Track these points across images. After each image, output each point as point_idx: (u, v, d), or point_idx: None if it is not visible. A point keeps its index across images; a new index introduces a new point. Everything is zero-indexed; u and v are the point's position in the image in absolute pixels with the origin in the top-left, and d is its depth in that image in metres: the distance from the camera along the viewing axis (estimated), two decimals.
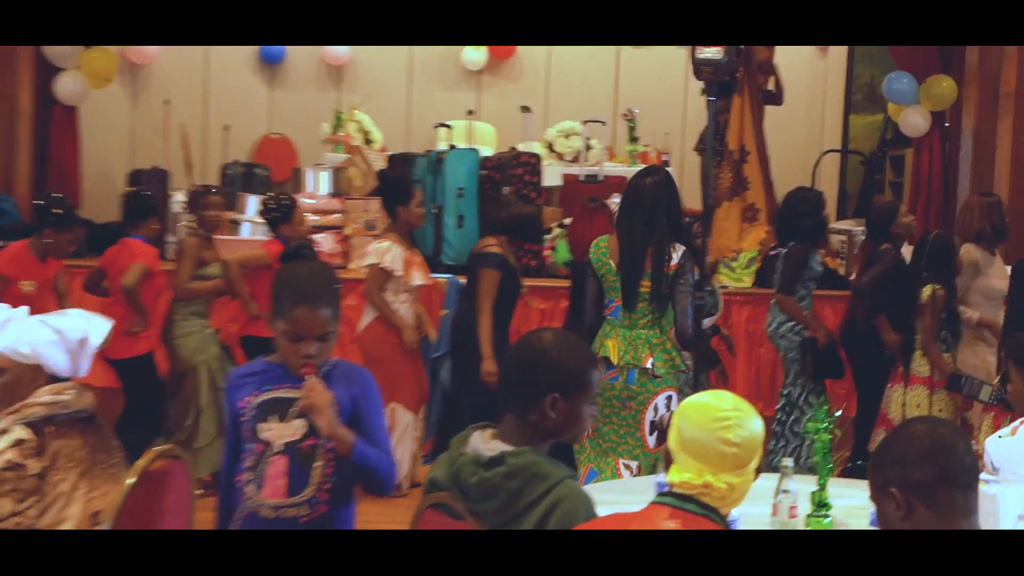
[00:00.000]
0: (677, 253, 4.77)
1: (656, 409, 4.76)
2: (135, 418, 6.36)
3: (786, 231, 6.32)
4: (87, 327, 3.17)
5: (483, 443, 2.76)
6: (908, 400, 5.93)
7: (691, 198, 9.08)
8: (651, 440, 4.73)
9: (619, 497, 3.44)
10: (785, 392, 6.21)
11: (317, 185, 8.69)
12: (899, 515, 2.23)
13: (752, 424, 2.45)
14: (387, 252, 6.38)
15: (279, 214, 6.62)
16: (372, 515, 6.29)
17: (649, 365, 4.74)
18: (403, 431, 6.59)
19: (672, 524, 2.40)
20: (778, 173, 8.28)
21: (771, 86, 8.23)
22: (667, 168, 5.61)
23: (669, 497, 2.47)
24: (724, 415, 2.43)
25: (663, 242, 4.76)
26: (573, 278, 6.75)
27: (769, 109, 8.02)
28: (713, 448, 2.42)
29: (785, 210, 6.39)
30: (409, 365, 6.55)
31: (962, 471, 2.22)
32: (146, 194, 6.70)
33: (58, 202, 6.31)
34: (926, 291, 5.88)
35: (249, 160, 9.85)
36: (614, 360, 4.77)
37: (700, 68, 4.38)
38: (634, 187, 4.92)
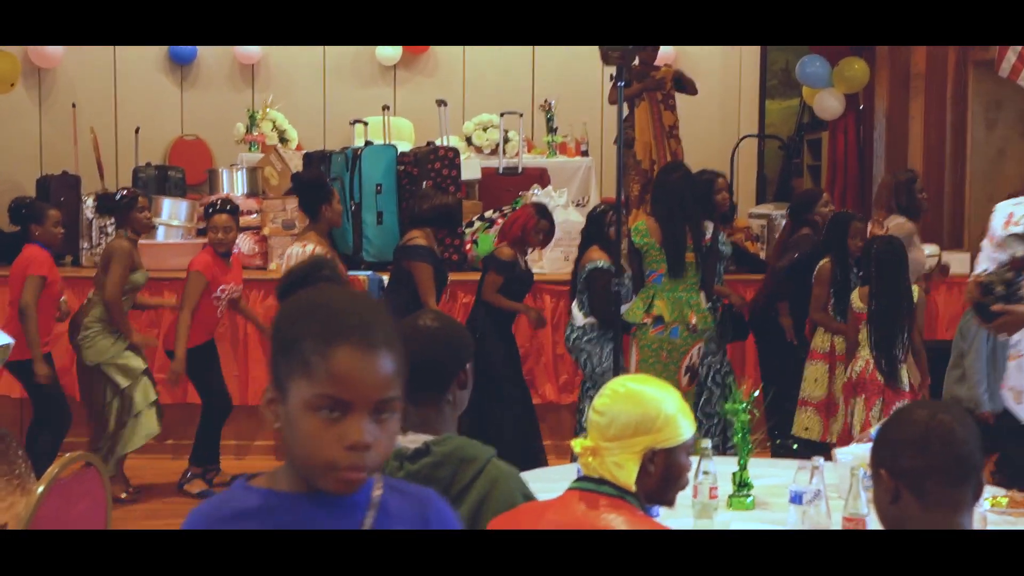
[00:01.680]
0: (708, 230, 5.91)
1: (691, 357, 5.84)
2: (45, 422, 6.23)
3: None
4: None
5: (400, 436, 2.71)
6: (807, 375, 6.00)
7: (613, 187, 9.13)
8: (684, 380, 5.78)
9: (544, 485, 3.40)
10: None
11: (233, 186, 8.56)
12: (886, 499, 2.15)
13: (623, 403, 2.42)
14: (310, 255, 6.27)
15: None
16: None
17: (694, 322, 5.79)
18: None
19: (582, 508, 2.37)
20: (696, 161, 8.29)
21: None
22: (684, 165, 6.38)
23: (584, 482, 2.45)
24: (609, 385, 2.48)
25: (697, 222, 5.86)
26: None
27: (684, 97, 8.02)
28: (589, 412, 2.48)
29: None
30: None
31: (955, 464, 2.10)
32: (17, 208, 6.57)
33: None
34: (822, 264, 6.04)
35: (163, 163, 9.68)
36: (666, 318, 5.79)
37: (607, 55, 4.37)
38: (662, 182, 6.06)
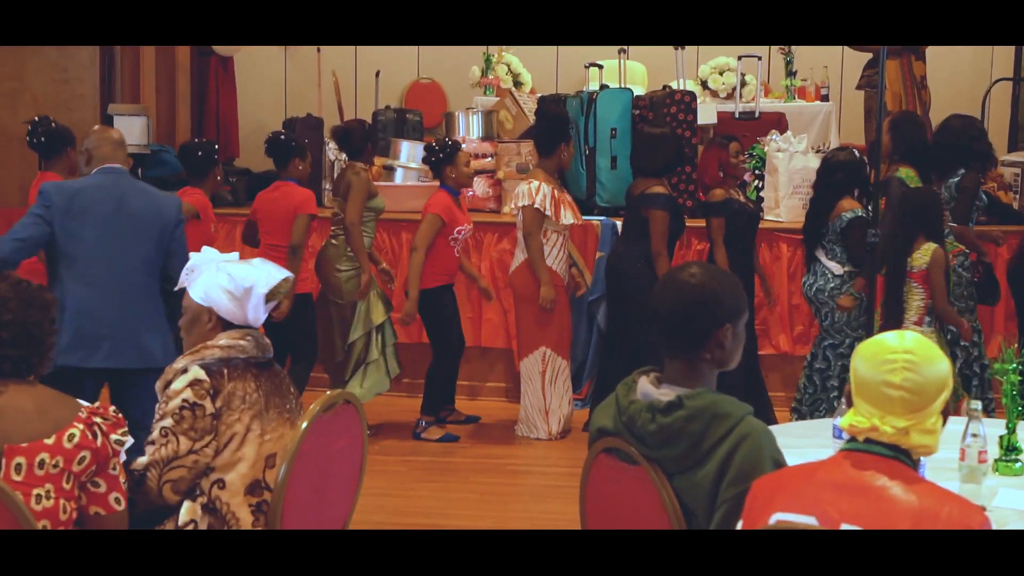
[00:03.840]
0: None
1: None
2: (297, 354, 6.48)
3: (951, 160, 6.01)
4: (256, 277, 3.18)
5: (653, 388, 2.69)
6: None
7: (854, 134, 8.82)
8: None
9: (795, 440, 3.33)
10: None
11: (468, 129, 8.65)
12: None
13: (925, 369, 2.31)
14: (537, 192, 6.32)
15: (442, 155, 6.60)
16: (532, 459, 6.32)
17: None
18: (555, 375, 6.56)
19: (854, 470, 2.28)
20: (944, 105, 7.91)
21: None
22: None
23: (856, 442, 2.36)
24: (892, 357, 2.31)
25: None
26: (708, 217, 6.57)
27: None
28: (878, 390, 2.31)
29: (946, 137, 6.08)
30: (559, 308, 6.50)
31: None
32: (288, 136, 6.72)
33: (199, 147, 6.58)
34: None
35: (400, 106, 9.88)
36: None
37: None
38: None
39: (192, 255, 3.27)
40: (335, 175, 8.34)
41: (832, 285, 5.96)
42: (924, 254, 5.29)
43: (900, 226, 5.34)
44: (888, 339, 2.36)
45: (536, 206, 6.33)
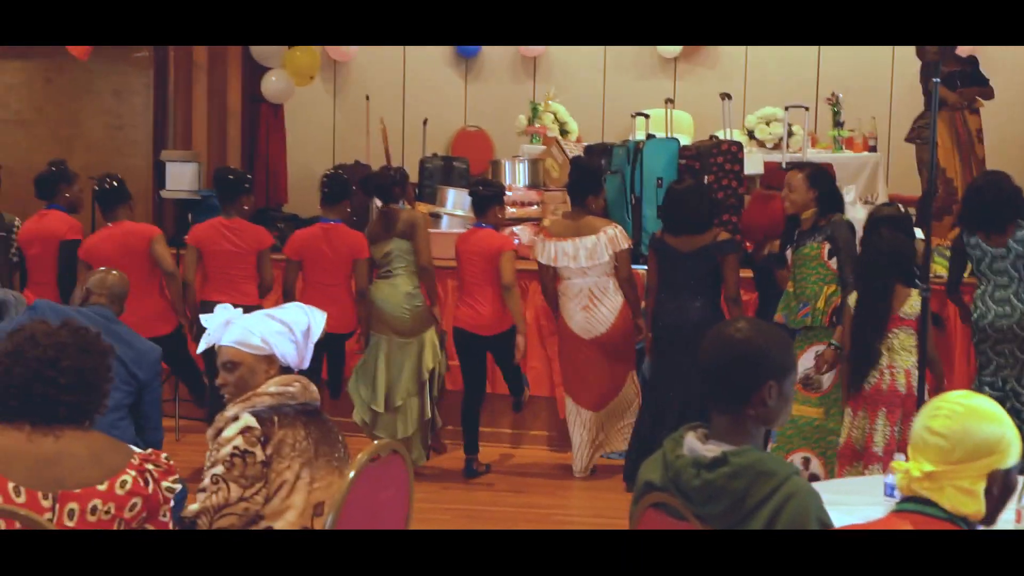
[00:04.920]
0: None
1: None
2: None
3: (1008, 216, 5.92)
4: (308, 319, 3.23)
5: (700, 443, 2.67)
6: None
7: (903, 185, 8.77)
8: None
9: (843, 498, 3.30)
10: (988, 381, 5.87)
11: (515, 176, 8.70)
12: None
13: (970, 423, 2.29)
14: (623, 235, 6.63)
15: (493, 194, 6.72)
16: (577, 509, 6.29)
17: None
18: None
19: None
20: (1000, 163, 7.82)
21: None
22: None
23: (909, 503, 2.34)
24: (940, 404, 2.33)
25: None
26: (756, 268, 6.60)
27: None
28: (919, 434, 2.33)
29: (998, 195, 5.98)
30: None
31: None
32: (343, 177, 6.86)
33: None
34: None
35: (446, 153, 9.96)
36: None
37: (924, 48, 4.17)
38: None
39: (214, 315, 3.29)
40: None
41: None
42: (915, 300, 5.25)
43: (877, 274, 5.30)
44: (952, 392, 2.37)
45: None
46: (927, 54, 4.27)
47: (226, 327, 3.22)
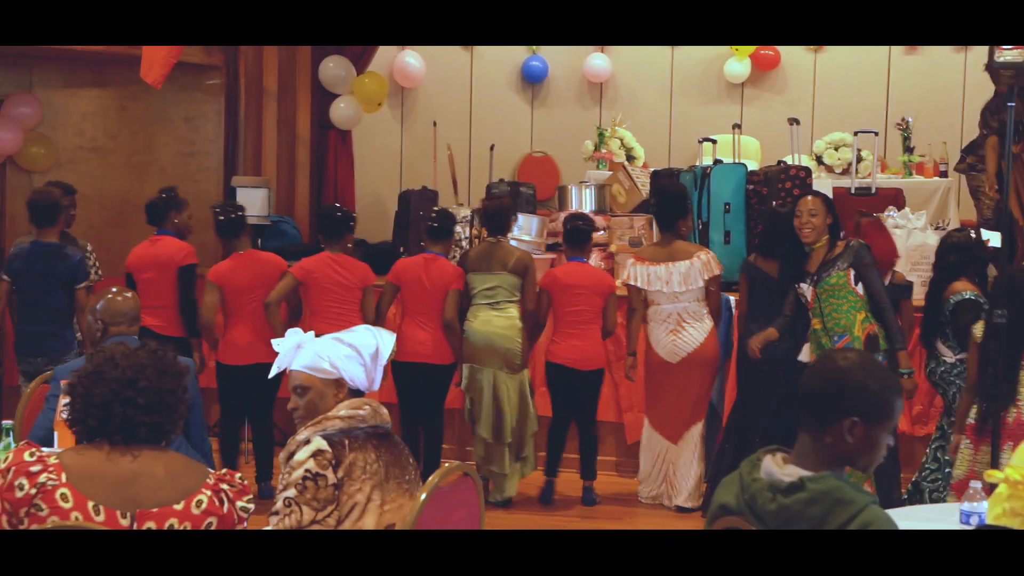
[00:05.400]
0: None
1: None
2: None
3: None
4: (377, 341, 3.25)
5: (777, 468, 2.64)
6: None
7: (973, 210, 8.66)
8: None
9: (920, 524, 3.25)
10: None
11: (581, 202, 8.71)
12: None
13: None
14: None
15: (590, 228, 6.96)
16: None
17: None
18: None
19: None
20: None
21: None
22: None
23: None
24: None
25: None
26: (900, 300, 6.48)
27: None
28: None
29: None
30: None
31: None
32: (451, 213, 7.03)
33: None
34: None
35: (512, 178, 10.00)
36: None
37: (999, 72, 4.11)
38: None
39: (285, 339, 3.33)
40: (463, 247, 8.49)
41: (943, 369, 5.87)
42: None
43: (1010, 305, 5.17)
44: None
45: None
46: (1001, 77, 4.20)
47: (296, 351, 3.25)
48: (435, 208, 7.13)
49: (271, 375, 3.44)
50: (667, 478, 6.79)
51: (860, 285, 5.83)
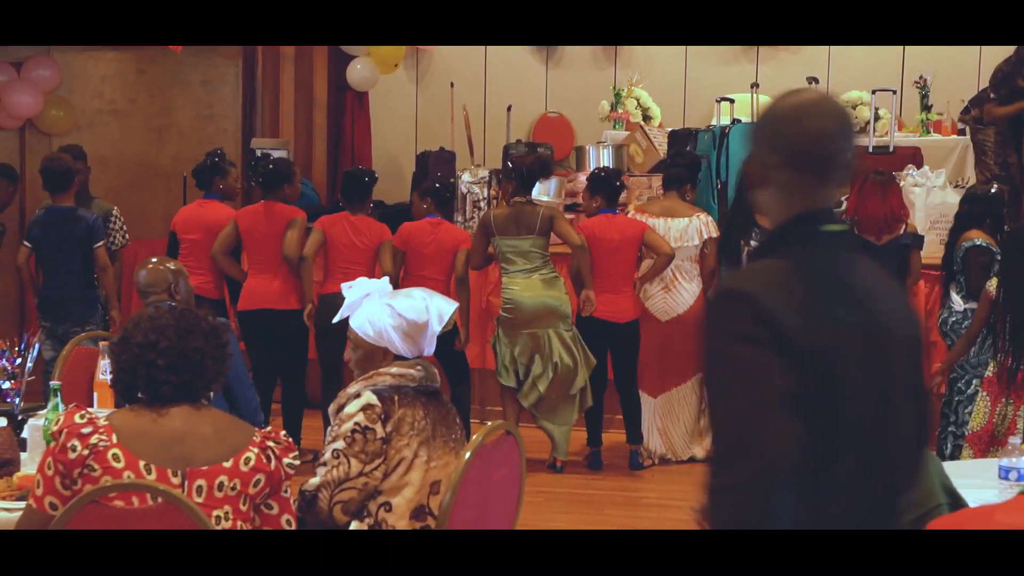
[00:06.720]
0: None
1: None
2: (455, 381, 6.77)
3: None
4: (428, 313, 3.29)
5: None
6: None
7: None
8: None
9: (957, 480, 3.28)
10: None
11: (599, 162, 8.72)
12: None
13: None
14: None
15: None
16: (666, 493, 6.32)
17: None
18: None
19: None
20: None
21: None
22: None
23: None
24: None
25: None
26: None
27: None
28: None
29: None
30: None
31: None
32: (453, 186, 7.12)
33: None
34: None
35: (527, 139, 9.99)
36: None
37: None
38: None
39: (353, 285, 3.38)
40: (465, 207, 8.51)
41: (954, 319, 5.92)
42: None
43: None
44: None
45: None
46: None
47: (360, 304, 3.30)
48: (440, 181, 7.16)
49: (335, 320, 3.48)
50: (662, 433, 6.89)
51: None
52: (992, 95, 7.88)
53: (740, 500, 1.88)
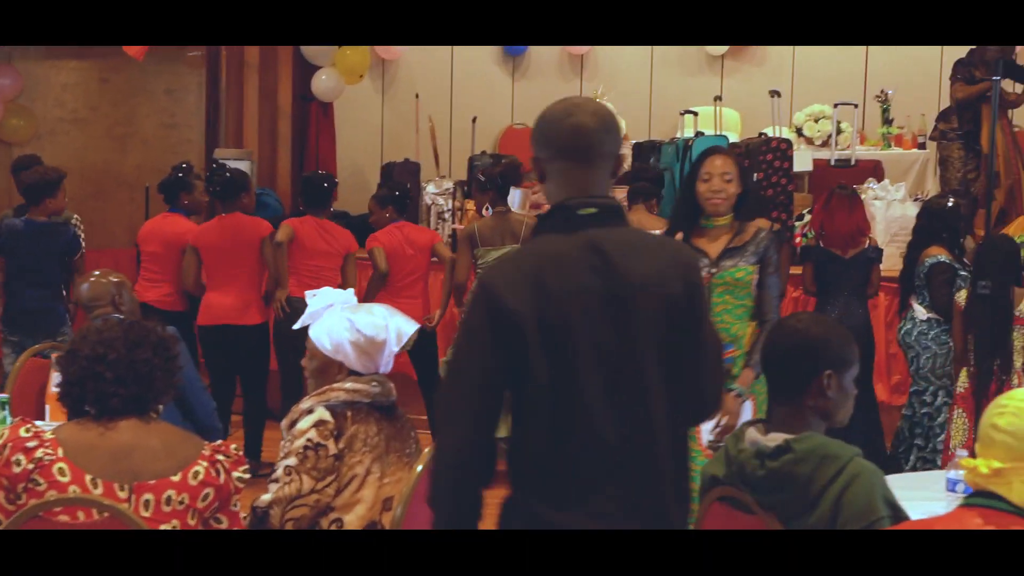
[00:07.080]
0: None
1: None
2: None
3: None
4: (387, 331, 3.27)
5: (760, 436, 2.72)
6: None
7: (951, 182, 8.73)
8: None
9: (904, 492, 3.30)
10: None
11: None
12: None
13: None
14: None
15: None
16: None
17: None
18: None
19: (978, 523, 2.29)
20: None
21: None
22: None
23: (979, 498, 2.36)
24: (1006, 402, 2.34)
25: None
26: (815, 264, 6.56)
27: None
28: (985, 431, 2.34)
29: None
30: None
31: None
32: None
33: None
34: None
35: (493, 151, 10.00)
36: None
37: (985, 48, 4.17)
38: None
39: (318, 294, 3.36)
40: (430, 218, 8.50)
41: (918, 330, 5.99)
42: None
43: (994, 274, 5.27)
44: (1019, 390, 2.39)
45: None
46: (987, 52, 4.25)
47: (321, 314, 3.29)
48: (401, 186, 7.26)
49: (296, 326, 3.46)
50: None
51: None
52: (959, 76, 7.90)
53: (433, 489, 2.37)
